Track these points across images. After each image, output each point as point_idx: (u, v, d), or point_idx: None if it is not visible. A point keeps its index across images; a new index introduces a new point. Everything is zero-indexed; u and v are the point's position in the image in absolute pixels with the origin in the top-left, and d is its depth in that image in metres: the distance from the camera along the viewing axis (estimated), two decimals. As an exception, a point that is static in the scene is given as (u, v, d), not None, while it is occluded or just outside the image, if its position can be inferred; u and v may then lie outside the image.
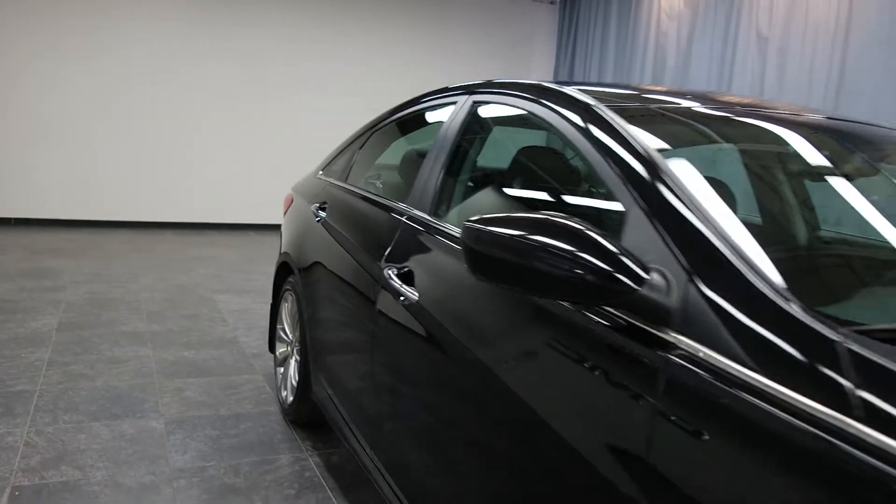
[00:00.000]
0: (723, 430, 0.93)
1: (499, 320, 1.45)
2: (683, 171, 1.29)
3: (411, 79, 8.49)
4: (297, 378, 2.87)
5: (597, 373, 1.16)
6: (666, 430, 1.00)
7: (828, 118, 1.81)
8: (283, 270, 3.16)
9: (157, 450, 2.66)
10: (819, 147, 1.67)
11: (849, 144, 1.73)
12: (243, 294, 5.17)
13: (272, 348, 3.31)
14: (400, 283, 1.84)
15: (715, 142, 1.64)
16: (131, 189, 7.76)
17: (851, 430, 0.80)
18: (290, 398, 2.95)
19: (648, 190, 1.25)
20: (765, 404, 0.89)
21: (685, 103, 1.73)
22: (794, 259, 1.37)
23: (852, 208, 1.43)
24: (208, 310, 4.69)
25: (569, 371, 1.22)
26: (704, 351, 1.00)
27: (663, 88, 2.07)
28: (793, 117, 1.71)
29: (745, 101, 1.84)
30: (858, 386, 0.83)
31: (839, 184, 1.62)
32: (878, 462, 0.76)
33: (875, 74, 5.95)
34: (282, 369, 3.13)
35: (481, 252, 1.19)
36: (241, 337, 4.15)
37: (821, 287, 1.27)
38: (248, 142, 8.07)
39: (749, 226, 1.17)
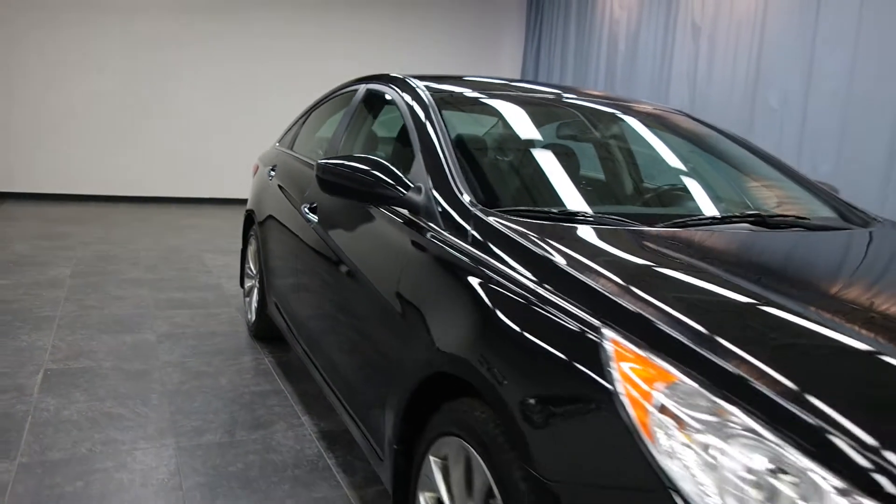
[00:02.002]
0: (437, 262, 1.80)
1: (348, 222, 2.33)
2: (447, 130, 2.16)
3: (392, 68, 9.30)
4: (257, 301, 3.76)
5: (390, 242, 2.04)
6: (413, 267, 1.87)
7: (597, 100, 2.68)
8: (248, 221, 4.03)
9: (150, 351, 3.56)
10: (545, 115, 2.55)
11: (577, 117, 2.60)
12: (228, 254, 6.05)
13: (242, 283, 4.21)
14: (309, 213, 2.72)
15: (482, 112, 2.52)
16: (134, 167, 8.63)
17: (467, 249, 1.68)
18: (253, 318, 3.84)
19: (424, 138, 2.13)
20: (453, 251, 1.75)
21: (487, 90, 2.62)
22: (486, 185, 2.19)
23: (550, 157, 2.32)
24: (196, 264, 5.58)
25: (378, 244, 2.09)
26: (433, 227, 1.88)
27: (486, 80, 2.86)
28: (553, 97, 2.59)
29: (534, 87, 2.73)
30: (477, 229, 1.72)
31: (545, 141, 2.49)
32: (479, 260, 1.63)
33: (787, 60, 6.77)
34: (248, 298, 4.02)
35: (323, 178, 2.06)
36: (222, 283, 5.03)
37: (493, 201, 2.10)
38: (241, 125, 8.91)
39: (472, 165, 2.05)
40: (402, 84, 2.57)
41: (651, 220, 1.90)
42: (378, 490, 2.38)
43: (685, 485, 1.03)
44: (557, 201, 2.14)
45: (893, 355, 1.22)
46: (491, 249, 1.64)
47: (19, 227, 6.64)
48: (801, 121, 6.75)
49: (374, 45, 9.64)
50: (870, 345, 1.26)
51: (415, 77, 2.63)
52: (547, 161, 2.32)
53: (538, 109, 2.57)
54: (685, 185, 2.36)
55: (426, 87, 2.46)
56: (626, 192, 2.32)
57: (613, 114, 2.66)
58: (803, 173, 2.69)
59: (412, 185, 2.00)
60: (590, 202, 2.09)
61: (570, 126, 2.56)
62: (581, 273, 1.43)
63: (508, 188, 2.19)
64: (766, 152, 2.73)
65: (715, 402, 1.08)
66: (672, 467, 1.05)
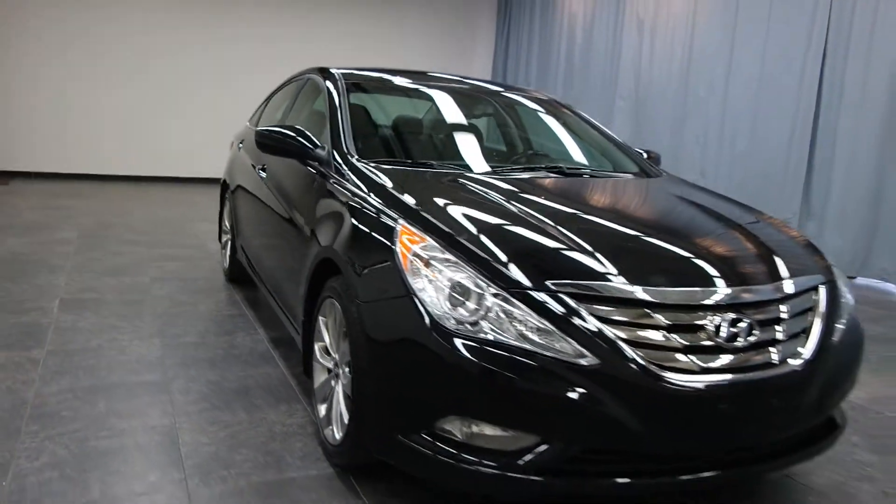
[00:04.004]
0: (328, 193, 2.68)
1: (284, 175, 3.23)
2: (350, 103, 3.05)
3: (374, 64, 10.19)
4: (230, 251, 4.66)
5: (308, 187, 2.93)
6: (316, 200, 2.76)
7: (472, 86, 3.58)
8: (223, 188, 4.93)
9: (144, 288, 4.46)
10: (427, 97, 3.46)
11: (452, 97, 3.49)
12: (213, 223, 6.88)
13: (220, 239, 5.11)
14: (260, 171, 3.62)
15: (380, 93, 3.42)
16: (130, 148, 9.53)
17: (342, 183, 2.58)
18: (227, 264, 4.75)
19: (331, 112, 3.03)
20: (336, 185, 2.65)
21: (392, 78, 3.52)
22: (366, 144, 3.05)
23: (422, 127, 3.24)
24: (185, 230, 6.49)
25: (300, 188, 2.99)
26: (333, 175, 2.77)
27: (397, 72, 3.73)
28: (440, 84, 3.49)
29: (435, 75, 3.62)
30: (350, 171, 2.62)
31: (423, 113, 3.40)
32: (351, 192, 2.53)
33: (714, 50, 7.64)
34: (224, 250, 4.92)
35: (259, 140, 2.95)
36: (207, 244, 5.93)
37: (368, 155, 2.93)
38: (231, 110, 9.77)
39: (361, 130, 2.95)
40: (327, 73, 3.46)
41: (476, 169, 2.81)
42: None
43: (421, 293, 1.94)
44: (411, 155, 3.09)
45: (553, 219, 2.14)
46: (355, 182, 2.55)
47: (28, 201, 7.54)
48: (723, 106, 7.62)
49: (354, 44, 10.54)
50: (556, 222, 2.17)
51: (340, 69, 3.52)
52: (413, 129, 3.24)
53: (423, 93, 3.48)
54: (517, 147, 3.28)
55: (342, 75, 3.36)
56: (469, 152, 3.22)
57: (479, 96, 3.58)
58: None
59: (319, 145, 2.90)
60: (433, 157, 3.03)
61: (439, 106, 3.46)
62: (399, 193, 2.35)
63: (381, 146, 3.12)
64: (607, 131, 3.63)
65: (443, 251, 2.00)
66: (414, 283, 1.96)
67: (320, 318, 2.54)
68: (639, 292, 1.93)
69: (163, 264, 5.13)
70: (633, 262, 2.07)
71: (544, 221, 2.23)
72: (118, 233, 6.15)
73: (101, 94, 9.32)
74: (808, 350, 2.07)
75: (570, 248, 2.09)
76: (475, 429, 1.91)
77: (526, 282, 1.92)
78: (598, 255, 2.05)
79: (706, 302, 1.98)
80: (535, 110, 3.66)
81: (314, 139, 2.93)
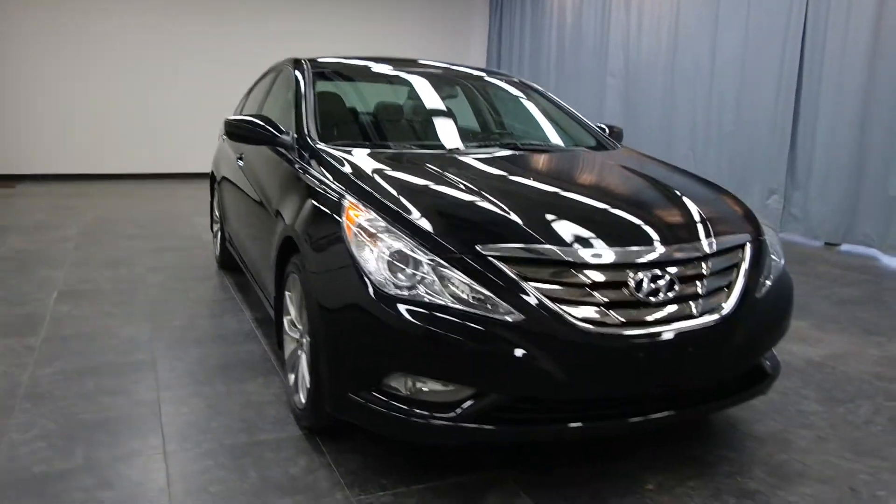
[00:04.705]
0: (291, 176, 2.85)
1: (258, 162, 3.40)
2: (317, 90, 3.22)
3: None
4: (220, 238, 4.86)
5: (275, 172, 3.10)
6: (283, 183, 2.93)
7: (436, 70, 3.73)
8: (212, 179, 5.12)
9: (139, 278, 4.66)
10: (389, 83, 3.61)
11: (417, 80, 3.64)
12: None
13: (211, 228, 5.30)
14: (239, 160, 3.80)
15: (346, 80, 3.58)
16: (134, 147, 9.77)
17: (304, 166, 2.75)
18: (218, 252, 4.94)
19: (297, 100, 3.19)
20: (298, 169, 2.81)
21: (360, 66, 3.67)
22: (327, 128, 3.19)
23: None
24: (184, 224, 6.70)
25: (270, 173, 3.16)
26: (296, 160, 2.94)
27: (365, 60, 3.88)
28: (404, 71, 3.64)
29: (403, 59, 3.78)
30: (311, 154, 2.79)
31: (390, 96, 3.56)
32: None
33: (699, 27, 7.72)
34: (215, 239, 5.11)
35: (227, 129, 3.11)
36: (202, 236, 6.13)
37: (330, 139, 3.09)
38: (234, 105, 9.97)
39: (323, 116, 3.11)
40: (297, 63, 3.62)
41: (432, 148, 2.98)
42: (287, 346, 3.47)
43: (363, 262, 2.11)
44: (371, 137, 3.28)
45: (469, 194, 2.30)
46: (314, 165, 2.72)
47: (35, 202, 7.78)
48: (710, 83, 7.71)
49: (349, 38, 10.72)
50: (476, 196, 2.33)
51: (311, 59, 3.67)
52: (374, 112, 3.41)
53: (387, 77, 3.63)
54: (474, 126, 3.43)
55: (311, 64, 3.51)
56: (426, 132, 3.37)
57: (443, 79, 3.73)
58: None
59: (284, 131, 3.07)
60: (393, 138, 3.22)
61: (403, 89, 3.62)
62: (350, 172, 2.52)
63: (343, 130, 3.28)
64: (569, 108, 3.77)
65: (384, 223, 2.17)
66: (357, 253, 2.13)
67: (287, 292, 2.72)
68: (563, 253, 2.09)
69: (158, 256, 5.33)
70: (560, 225, 2.23)
71: (481, 192, 2.39)
72: (118, 228, 6.37)
73: (102, 96, 9.55)
74: (728, 304, 2.22)
75: (501, 216, 2.25)
76: (418, 384, 2.09)
77: (457, 248, 2.09)
78: (527, 221, 2.21)
79: (628, 260, 2.13)
80: (499, 90, 3.81)
81: (279, 126, 3.09)
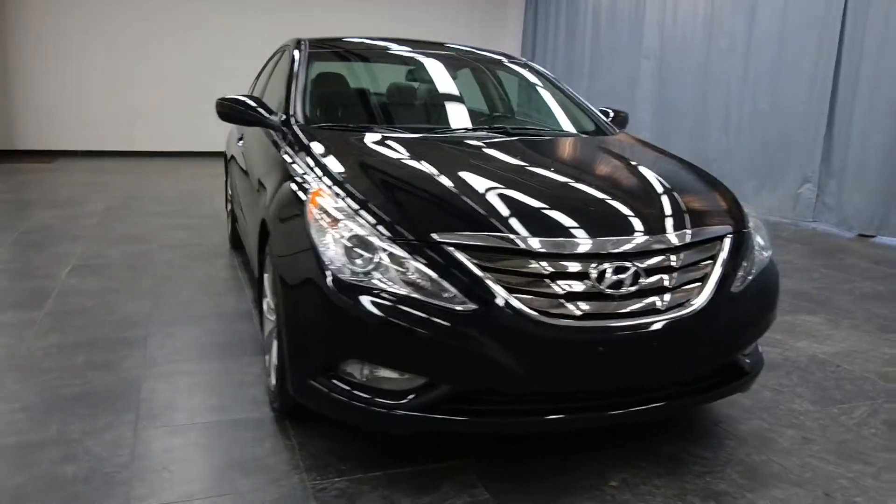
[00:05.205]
0: (274, 157, 2.84)
1: (254, 143, 3.41)
2: (306, 75, 3.19)
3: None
4: (231, 218, 4.91)
5: (264, 154, 3.10)
6: (268, 162, 2.93)
7: (433, 52, 3.67)
8: (225, 158, 5.17)
9: (150, 255, 4.75)
10: (384, 65, 3.57)
11: (415, 62, 3.58)
12: (234, 193, 7.25)
13: (225, 206, 5.37)
14: (239, 141, 3.82)
15: (342, 61, 3.55)
16: (168, 125, 9.95)
17: (285, 148, 2.74)
18: (229, 230, 5.00)
19: (289, 81, 3.17)
20: (280, 150, 2.81)
21: (358, 46, 3.64)
22: (314, 110, 3.16)
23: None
24: (204, 202, 6.80)
25: (262, 152, 3.16)
26: (281, 142, 2.93)
27: (365, 41, 3.85)
28: (401, 53, 3.59)
29: (405, 40, 3.73)
30: (292, 135, 2.77)
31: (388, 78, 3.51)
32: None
33: (735, 6, 7.48)
34: (228, 218, 5.17)
35: (218, 110, 3.12)
36: (220, 214, 6.21)
37: (318, 120, 3.07)
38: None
39: (312, 98, 3.09)
40: (298, 43, 3.60)
41: (416, 132, 2.93)
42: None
43: (322, 246, 2.10)
44: (359, 119, 3.25)
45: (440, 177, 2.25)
46: (295, 147, 2.71)
47: (67, 177, 8.01)
48: (745, 64, 7.44)
49: (381, 26, 10.69)
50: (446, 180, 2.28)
51: (313, 39, 3.65)
52: (366, 94, 3.38)
53: (383, 60, 3.59)
54: (465, 109, 3.36)
55: (309, 44, 3.49)
56: (412, 115, 3.31)
57: (444, 60, 3.65)
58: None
59: (274, 112, 3.06)
60: (379, 120, 3.21)
61: (398, 70, 3.57)
62: (323, 155, 2.50)
63: (329, 112, 3.25)
64: (571, 92, 3.66)
65: (345, 208, 2.14)
66: (317, 237, 2.12)
67: (265, 274, 2.73)
68: (522, 242, 2.03)
69: (174, 233, 5.43)
70: (524, 214, 2.17)
71: (447, 179, 2.34)
72: (142, 205, 6.51)
73: (140, 76, 9.74)
74: (700, 299, 2.13)
75: (465, 203, 2.20)
76: (374, 371, 2.07)
77: (413, 235, 2.05)
78: (490, 209, 2.16)
79: (591, 251, 2.06)
80: (500, 73, 3.72)
81: (268, 107, 3.08)
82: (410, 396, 2.01)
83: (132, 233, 5.38)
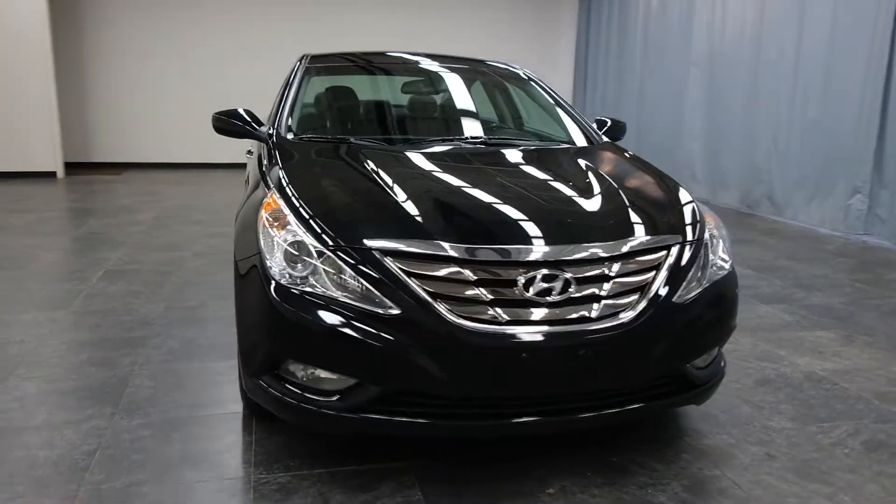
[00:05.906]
0: (258, 165, 2.99)
1: (253, 154, 3.58)
2: (300, 89, 3.34)
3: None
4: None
5: (254, 162, 3.25)
6: (255, 173, 3.08)
7: (435, 64, 3.74)
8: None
9: (181, 262, 5.02)
10: (380, 78, 3.66)
11: (408, 74, 3.67)
12: (278, 203, 7.54)
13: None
14: (247, 154, 4.01)
15: (339, 76, 3.67)
16: (230, 140, 10.42)
17: (265, 156, 2.88)
18: (256, 239, 5.23)
19: (282, 95, 3.32)
20: (264, 159, 2.95)
21: (359, 61, 3.76)
22: (301, 122, 3.30)
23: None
24: (247, 210, 7.10)
25: (252, 165, 3.32)
26: (266, 154, 3.07)
27: (370, 52, 4.00)
28: (400, 68, 3.69)
29: (398, 58, 3.83)
30: (276, 144, 2.91)
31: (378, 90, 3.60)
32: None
33: (785, 13, 7.29)
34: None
35: (214, 124, 3.30)
36: (260, 223, 6.48)
37: (302, 129, 3.19)
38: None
39: (303, 111, 3.22)
40: (301, 58, 3.76)
41: (391, 143, 3.02)
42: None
43: (266, 252, 2.21)
44: (339, 132, 3.35)
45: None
46: (274, 158, 2.84)
47: (129, 188, 8.52)
48: (794, 72, 7.20)
49: (428, 39, 10.92)
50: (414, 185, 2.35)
51: (315, 54, 3.81)
52: (349, 108, 3.47)
53: (376, 73, 3.70)
54: (450, 120, 3.42)
55: (310, 59, 3.64)
56: (394, 126, 3.39)
57: (446, 72, 3.73)
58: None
59: (263, 124, 3.22)
60: (361, 132, 3.31)
61: (388, 83, 3.67)
62: (288, 166, 2.62)
63: (313, 124, 3.38)
64: (562, 100, 3.67)
65: (287, 216, 2.25)
66: (263, 243, 2.23)
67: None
68: (451, 249, 2.08)
69: (210, 241, 5.70)
70: (459, 222, 2.22)
71: (398, 188, 2.41)
72: (188, 214, 6.86)
73: (208, 93, 10.28)
74: (636, 309, 2.11)
75: (402, 211, 2.26)
76: (314, 372, 2.16)
77: (346, 241, 2.13)
78: (428, 217, 2.22)
79: (519, 258, 2.09)
80: (492, 83, 3.77)
81: (258, 119, 3.24)
82: (337, 397, 2.08)
83: (170, 240, 5.69)
